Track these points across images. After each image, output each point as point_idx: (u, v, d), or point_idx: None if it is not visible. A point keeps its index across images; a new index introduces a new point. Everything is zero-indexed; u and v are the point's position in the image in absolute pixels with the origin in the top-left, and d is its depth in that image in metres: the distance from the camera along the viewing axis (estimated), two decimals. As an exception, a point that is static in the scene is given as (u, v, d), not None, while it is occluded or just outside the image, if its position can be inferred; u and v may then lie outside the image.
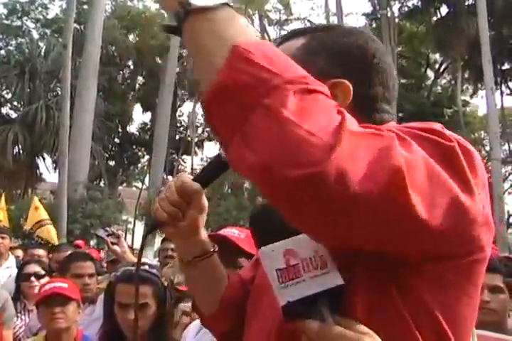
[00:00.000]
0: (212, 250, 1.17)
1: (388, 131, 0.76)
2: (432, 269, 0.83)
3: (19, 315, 3.87)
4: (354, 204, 0.70)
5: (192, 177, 1.10)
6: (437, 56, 29.62)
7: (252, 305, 1.10)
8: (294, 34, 1.08)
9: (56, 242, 8.52)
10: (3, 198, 9.31)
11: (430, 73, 30.17)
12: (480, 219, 0.82)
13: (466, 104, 27.98)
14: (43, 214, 9.37)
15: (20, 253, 6.57)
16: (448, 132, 0.85)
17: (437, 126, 0.86)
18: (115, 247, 3.61)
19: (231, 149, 0.74)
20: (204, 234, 1.17)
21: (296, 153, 0.68)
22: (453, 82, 28.04)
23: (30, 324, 3.50)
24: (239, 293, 1.17)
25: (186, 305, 3.04)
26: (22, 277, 4.03)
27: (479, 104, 31.40)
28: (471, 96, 30.04)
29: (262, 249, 0.81)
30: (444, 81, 31.16)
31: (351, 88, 0.98)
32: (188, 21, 0.80)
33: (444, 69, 29.56)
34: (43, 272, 4.06)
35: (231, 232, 2.17)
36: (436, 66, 29.77)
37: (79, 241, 9.50)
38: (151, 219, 1.09)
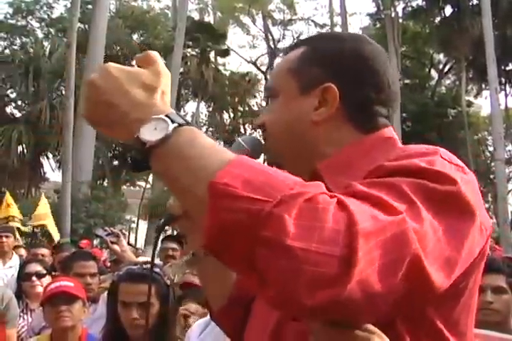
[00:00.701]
0: None
1: (400, 203, 0.75)
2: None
3: (21, 314, 3.87)
4: (382, 306, 0.72)
5: None
6: (441, 56, 29.59)
7: (257, 304, 1.11)
8: (297, 44, 1.11)
9: (58, 236, 8.62)
10: (8, 195, 9.37)
11: (434, 73, 30.14)
12: (486, 242, 0.86)
13: (470, 104, 27.91)
14: (45, 209, 9.54)
15: (23, 252, 6.58)
16: (449, 162, 0.85)
17: (438, 159, 0.85)
18: (115, 247, 3.62)
19: (255, 287, 0.73)
20: None
21: (314, 279, 0.66)
22: (457, 82, 28.00)
23: (32, 324, 3.51)
24: (248, 290, 1.17)
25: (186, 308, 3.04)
26: (23, 276, 4.04)
27: (483, 104, 31.31)
28: (475, 97, 30.00)
29: None
30: (448, 81, 31.13)
31: (337, 91, 1.00)
32: (152, 159, 0.79)
33: (448, 70, 29.52)
34: (45, 271, 4.07)
35: None
36: (440, 66, 29.73)
37: (84, 242, 9.56)
38: (166, 214, 1.11)
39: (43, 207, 9.90)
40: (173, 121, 0.78)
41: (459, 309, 0.88)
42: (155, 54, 0.88)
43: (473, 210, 0.81)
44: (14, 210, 9.39)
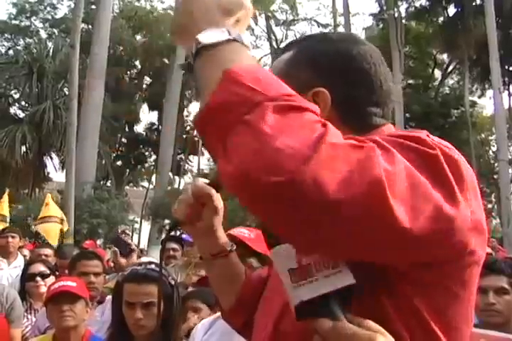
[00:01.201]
0: (229, 249, 1.26)
1: (370, 142, 0.77)
2: (420, 275, 0.85)
3: (25, 314, 3.88)
4: (331, 211, 0.71)
5: (206, 181, 1.20)
6: (445, 56, 29.54)
7: (262, 304, 1.12)
8: (287, 47, 1.12)
9: (54, 242, 8.35)
10: (6, 196, 9.31)
11: (437, 73, 30.08)
12: (467, 225, 0.82)
13: (473, 104, 27.86)
14: (52, 211, 9.37)
15: (27, 252, 6.60)
16: (432, 140, 0.86)
17: (422, 134, 0.86)
18: (122, 259, 3.60)
19: (217, 163, 0.78)
20: (222, 233, 1.26)
21: (272, 163, 0.70)
22: (461, 82, 27.95)
23: (37, 323, 3.52)
24: (256, 291, 1.20)
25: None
26: (27, 277, 4.05)
27: (487, 104, 31.21)
28: (479, 97, 29.94)
29: (274, 249, 0.82)
30: (451, 81, 31.07)
31: (329, 95, 1.00)
32: (198, 58, 0.86)
33: (452, 70, 29.47)
34: (48, 271, 4.08)
35: (241, 232, 2.19)
36: (444, 66, 29.68)
37: (87, 242, 9.53)
38: (172, 220, 1.22)
39: (54, 210, 9.63)
40: (229, 34, 0.85)
41: (444, 296, 0.87)
42: None
43: (452, 186, 0.80)
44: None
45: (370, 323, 0.79)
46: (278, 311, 0.98)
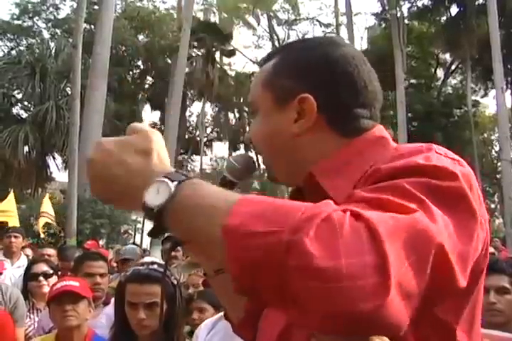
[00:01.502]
0: None
1: (410, 202, 0.75)
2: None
3: (28, 313, 3.90)
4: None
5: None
6: (447, 56, 29.51)
7: (267, 312, 1.11)
8: (270, 56, 1.10)
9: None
10: (12, 194, 9.39)
11: (440, 73, 30.04)
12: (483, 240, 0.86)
13: (476, 104, 27.81)
14: (45, 208, 9.86)
15: (29, 252, 6.62)
16: (446, 157, 0.86)
17: (434, 156, 0.85)
18: None
19: (292, 316, 0.73)
20: None
21: (355, 292, 0.65)
22: (463, 82, 27.91)
23: (41, 323, 3.52)
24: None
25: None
26: (30, 276, 4.05)
27: (490, 103, 31.15)
28: (482, 97, 29.90)
29: None
30: (454, 81, 31.03)
31: (314, 101, 1.00)
32: (164, 218, 0.79)
33: (454, 70, 29.43)
34: (51, 271, 4.09)
35: None
36: (446, 66, 29.64)
37: (89, 242, 9.61)
38: (172, 239, 1.09)
39: (46, 205, 10.31)
40: (172, 180, 0.79)
41: (469, 307, 0.89)
42: (134, 124, 0.91)
43: (473, 205, 0.82)
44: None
45: None
46: (283, 320, 0.98)
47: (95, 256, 3.79)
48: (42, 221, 10.39)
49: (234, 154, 1.11)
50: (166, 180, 0.79)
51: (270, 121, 1.04)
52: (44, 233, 10.19)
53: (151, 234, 0.85)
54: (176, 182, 0.79)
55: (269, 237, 0.67)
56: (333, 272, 0.64)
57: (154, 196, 0.79)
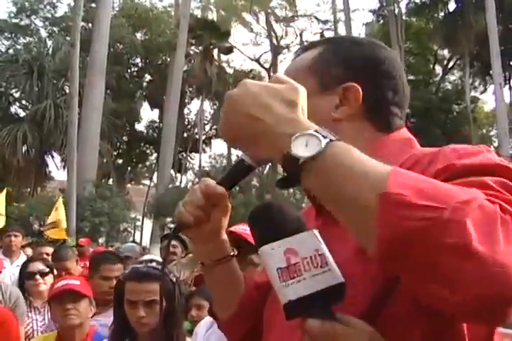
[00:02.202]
0: (232, 254, 1.19)
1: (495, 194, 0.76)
2: None
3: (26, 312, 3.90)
4: None
5: (216, 181, 1.11)
6: (445, 52, 29.51)
7: (268, 312, 1.11)
8: (312, 45, 1.15)
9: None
10: (3, 193, 9.31)
11: (438, 69, 30.06)
12: None
13: (474, 99, 27.84)
14: (60, 215, 9.59)
15: (30, 251, 6.62)
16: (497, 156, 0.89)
17: (493, 156, 0.89)
18: None
19: (428, 291, 0.72)
20: (225, 237, 1.18)
21: (508, 280, 0.67)
22: (462, 78, 27.93)
23: (50, 323, 3.50)
24: (255, 298, 1.18)
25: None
26: (26, 275, 4.05)
27: (489, 100, 31.21)
28: (482, 93, 29.94)
29: (262, 247, 0.81)
30: (452, 77, 31.06)
31: (361, 91, 1.04)
32: (305, 171, 0.79)
33: (453, 66, 29.44)
34: (47, 270, 4.08)
35: (242, 229, 2.20)
36: (445, 62, 29.66)
37: (82, 240, 9.60)
38: (176, 222, 1.09)
39: (61, 213, 9.90)
40: (324, 137, 0.79)
41: None
42: (281, 75, 0.91)
43: None
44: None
45: (359, 322, 0.79)
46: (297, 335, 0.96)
47: (113, 259, 3.68)
48: (54, 233, 9.69)
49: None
50: (318, 134, 0.79)
51: (311, 104, 1.01)
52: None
53: (281, 184, 0.84)
54: (327, 140, 0.79)
55: (429, 212, 0.68)
56: (491, 257, 0.66)
57: (302, 147, 0.78)
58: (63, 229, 9.52)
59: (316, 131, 0.80)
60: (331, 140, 0.79)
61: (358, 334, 0.76)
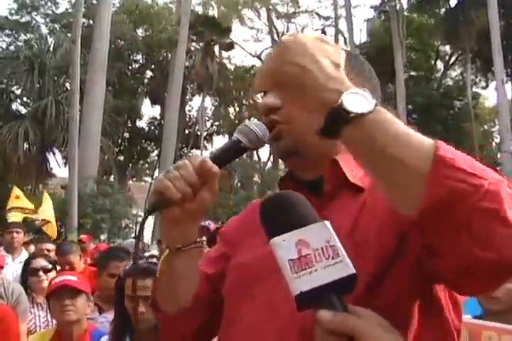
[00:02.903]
0: (199, 240, 1.12)
1: None
2: None
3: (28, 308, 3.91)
4: None
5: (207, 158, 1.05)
6: (447, 48, 29.44)
7: (231, 307, 1.09)
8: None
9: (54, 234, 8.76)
10: (19, 194, 9.43)
11: (440, 65, 29.99)
12: None
13: (476, 95, 27.77)
14: (48, 213, 9.65)
15: (33, 248, 6.64)
16: None
17: None
18: None
19: (456, 245, 0.80)
20: (199, 221, 1.13)
21: None
22: (464, 74, 27.86)
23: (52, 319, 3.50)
24: (208, 290, 1.15)
25: None
26: (30, 271, 4.06)
27: (490, 95, 31.14)
28: (484, 88, 29.86)
29: (273, 239, 0.81)
30: (454, 73, 30.99)
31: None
32: (353, 126, 0.83)
33: (454, 61, 29.37)
34: (50, 266, 4.10)
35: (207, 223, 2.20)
36: (446, 58, 29.58)
37: (83, 236, 9.62)
38: (157, 198, 1.00)
39: (47, 205, 10.01)
40: (372, 99, 0.84)
41: None
42: (326, 37, 0.94)
43: None
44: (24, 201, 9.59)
45: (370, 314, 0.79)
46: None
47: (121, 256, 3.65)
48: (50, 227, 9.87)
49: (249, 121, 1.06)
50: (368, 95, 0.84)
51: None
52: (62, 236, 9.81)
53: (325, 132, 0.87)
54: (374, 101, 0.84)
55: (474, 178, 0.78)
56: None
57: (351, 103, 0.83)
58: (54, 225, 9.57)
59: (368, 94, 0.84)
60: (376, 104, 0.84)
61: (370, 325, 0.77)
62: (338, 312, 0.78)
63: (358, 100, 0.83)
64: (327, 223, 0.81)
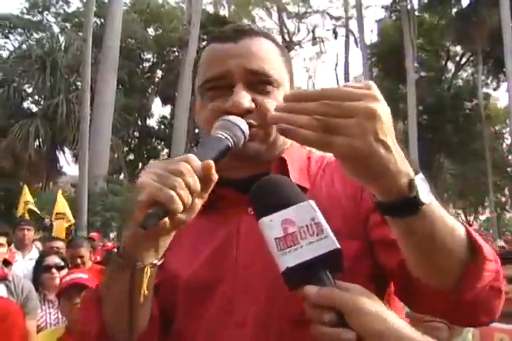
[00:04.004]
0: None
1: None
2: None
3: (39, 305, 3.94)
4: None
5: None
6: (458, 48, 29.31)
7: (191, 303, 1.06)
8: (256, 33, 1.14)
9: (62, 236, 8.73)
10: (26, 191, 9.50)
11: (451, 66, 29.86)
12: None
13: (487, 96, 27.63)
14: (61, 208, 9.69)
15: (40, 245, 6.68)
16: None
17: None
18: None
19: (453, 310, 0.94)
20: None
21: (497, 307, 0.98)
22: (475, 75, 27.72)
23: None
24: (155, 307, 1.06)
25: None
26: (43, 268, 4.09)
27: (501, 97, 30.94)
28: (495, 89, 29.70)
29: (261, 219, 0.84)
30: (465, 74, 30.84)
31: None
32: (419, 215, 0.81)
33: (465, 62, 29.23)
34: (63, 263, 4.13)
35: None
36: (457, 58, 29.44)
37: (93, 234, 9.67)
38: (159, 209, 0.81)
39: (62, 206, 9.98)
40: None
41: None
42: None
43: None
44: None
45: (356, 287, 0.81)
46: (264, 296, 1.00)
47: None
48: (59, 224, 9.50)
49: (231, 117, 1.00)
50: (424, 180, 0.82)
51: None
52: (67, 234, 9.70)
53: (388, 213, 0.83)
54: (428, 187, 0.83)
55: (495, 265, 0.93)
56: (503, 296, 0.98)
57: (424, 194, 0.81)
58: (63, 226, 9.56)
59: (422, 175, 0.81)
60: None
61: (355, 298, 0.78)
62: (324, 286, 0.80)
63: (424, 188, 0.80)
64: (312, 202, 0.84)
